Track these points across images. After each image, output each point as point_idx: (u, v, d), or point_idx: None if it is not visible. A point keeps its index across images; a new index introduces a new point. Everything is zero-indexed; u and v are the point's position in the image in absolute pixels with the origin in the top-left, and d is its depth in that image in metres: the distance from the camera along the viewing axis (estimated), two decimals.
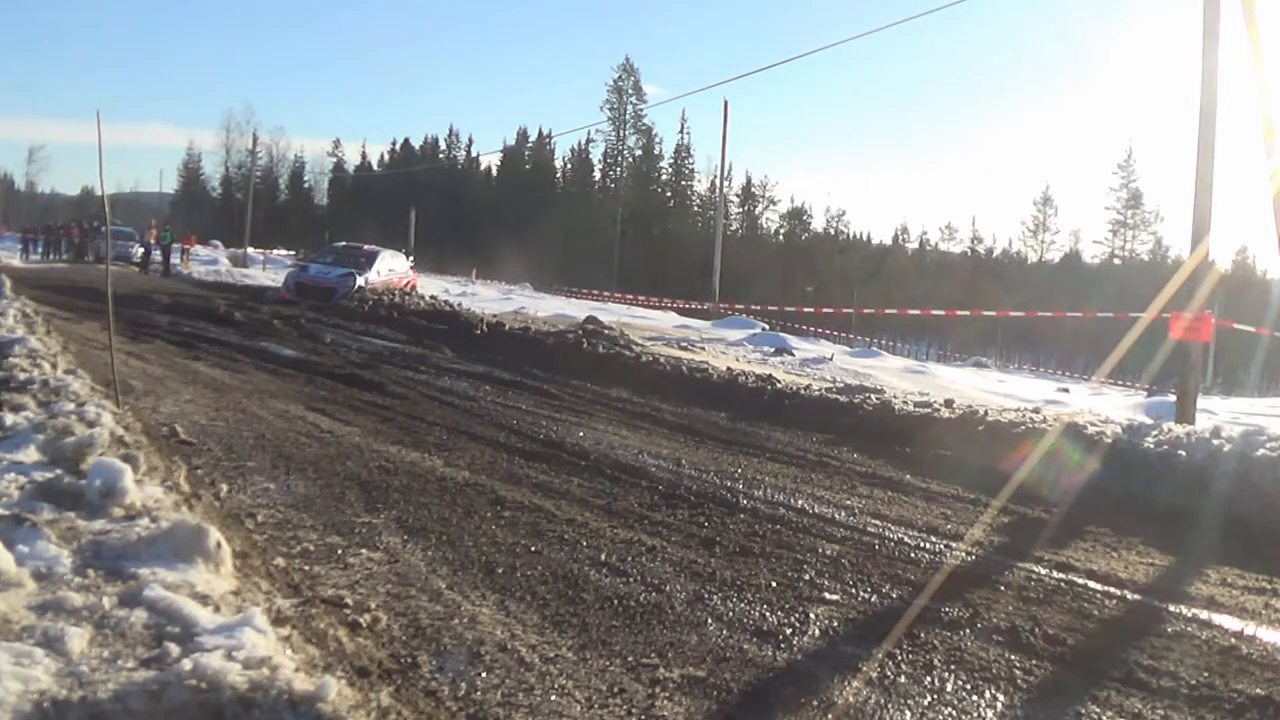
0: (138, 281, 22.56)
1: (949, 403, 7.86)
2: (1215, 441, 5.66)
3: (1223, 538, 4.64)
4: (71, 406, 4.59)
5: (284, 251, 48.89)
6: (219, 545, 2.84)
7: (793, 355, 15.25)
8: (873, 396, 8.30)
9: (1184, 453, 5.67)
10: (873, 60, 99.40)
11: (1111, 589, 3.83)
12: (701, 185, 71.33)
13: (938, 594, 3.60)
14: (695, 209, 71.18)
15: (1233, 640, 3.31)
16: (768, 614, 3.33)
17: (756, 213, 74.21)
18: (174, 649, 2.08)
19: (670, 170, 73.21)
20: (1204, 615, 3.56)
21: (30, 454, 3.69)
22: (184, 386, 7.47)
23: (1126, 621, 3.50)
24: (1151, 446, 5.87)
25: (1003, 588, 3.76)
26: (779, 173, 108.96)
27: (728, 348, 15.63)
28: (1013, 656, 3.06)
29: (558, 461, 5.66)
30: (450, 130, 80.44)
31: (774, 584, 3.65)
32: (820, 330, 27.83)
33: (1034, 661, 3.04)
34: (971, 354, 34.16)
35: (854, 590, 3.65)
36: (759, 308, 27.14)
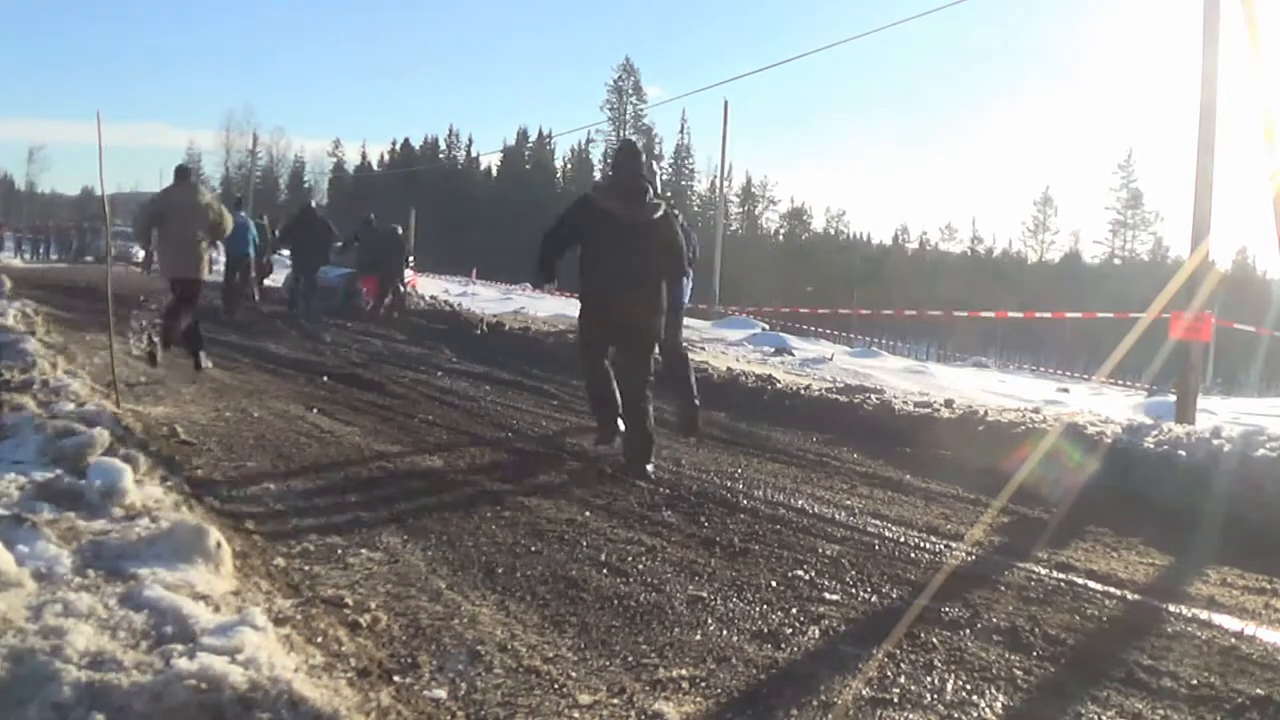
0: (139, 282, 22.52)
1: (949, 403, 7.86)
2: (1215, 441, 5.66)
3: (1223, 538, 4.63)
4: (71, 406, 4.59)
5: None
6: (219, 545, 2.85)
7: (793, 355, 15.23)
8: (873, 396, 8.29)
9: (1184, 453, 5.67)
10: (873, 59, 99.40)
11: (1111, 589, 3.83)
12: (701, 185, 71.38)
13: (938, 594, 3.59)
14: (695, 209, 71.09)
15: (1233, 640, 3.31)
16: (768, 614, 3.33)
17: (756, 213, 74.28)
18: (174, 649, 2.08)
19: (670, 170, 73.15)
20: (1204, 615, 3.56)
21: (30, 454, 3.70)
22: (184, 386, 7.47)
23: (1126, 621, 3.50)
24: (1151, 446, 5.86)
25: (1003, 588, 3.76)
26: (779, 173, 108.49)
27: (728, 348, 15.61)
28: (1013, 657, 3.05)
29: (557, 461, 5.67)
30: (450, 130, 79.95)
31: (774, 584, 3.65)
32: (820, 330, 27.74)
33: (1034, 662, 3.04)
34: (971, 354, 34.08)
35: (854, 590, 3.65)
36: (757, 309, 27.10)
